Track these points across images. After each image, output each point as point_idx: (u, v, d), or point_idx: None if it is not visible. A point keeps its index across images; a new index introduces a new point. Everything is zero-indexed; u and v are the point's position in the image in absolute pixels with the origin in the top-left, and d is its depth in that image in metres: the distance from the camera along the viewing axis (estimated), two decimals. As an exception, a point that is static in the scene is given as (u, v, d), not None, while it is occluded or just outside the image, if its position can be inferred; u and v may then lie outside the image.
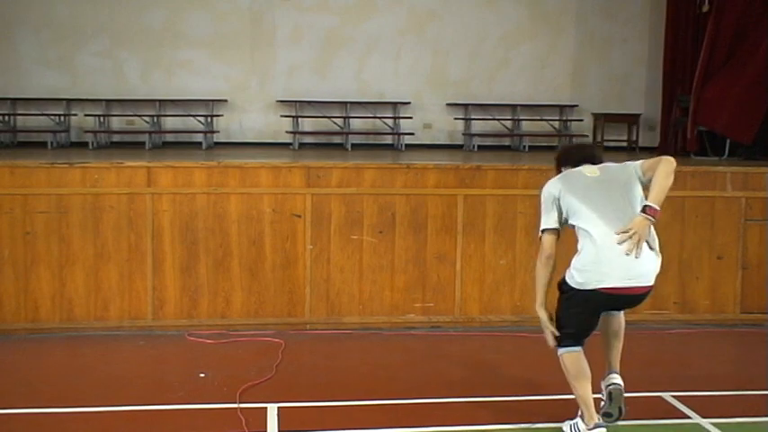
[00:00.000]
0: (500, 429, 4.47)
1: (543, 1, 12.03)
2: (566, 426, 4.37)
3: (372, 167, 6.71)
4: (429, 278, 6.66)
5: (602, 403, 4.35)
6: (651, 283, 4.11)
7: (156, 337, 6.33)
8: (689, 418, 4.68)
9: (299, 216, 6.52)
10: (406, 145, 11.15)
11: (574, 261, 4.17)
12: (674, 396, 4.98)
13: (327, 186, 6.56)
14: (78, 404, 4.83)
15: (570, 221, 4.20)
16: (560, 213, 4.22)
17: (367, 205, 6.58)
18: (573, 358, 4.22)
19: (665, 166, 4.11)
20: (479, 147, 11.22)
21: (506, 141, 11.94)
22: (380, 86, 11.75)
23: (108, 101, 11.10)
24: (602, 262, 4.03)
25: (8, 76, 11.02)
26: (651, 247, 4.06)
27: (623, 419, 4.40)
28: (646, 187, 4.16)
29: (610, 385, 4.34)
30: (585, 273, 4.09)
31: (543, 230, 4.27)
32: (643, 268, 4.04)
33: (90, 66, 11.26)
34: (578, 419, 4.28)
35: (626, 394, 4.77)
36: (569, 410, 4.41)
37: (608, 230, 4.04)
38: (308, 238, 6.53)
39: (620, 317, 4.46)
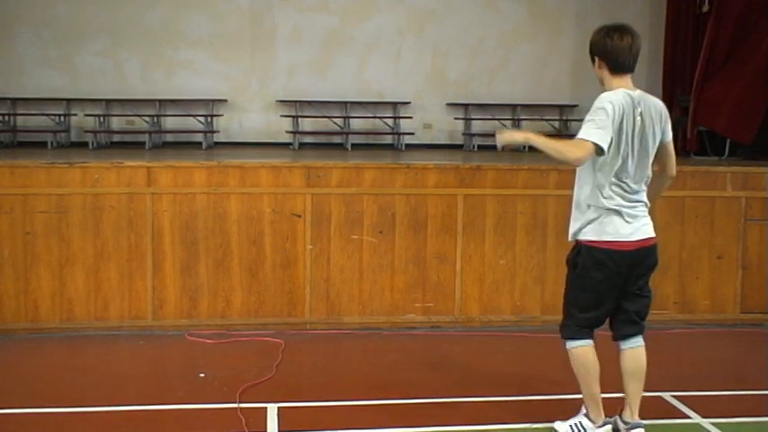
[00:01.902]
0: (500, 429, 4.47)
1: (543, 1, 12.03)
2: (563, 426, 4.28)
3: (372, 167, 6.71)
4: (429, 278, 6.66)
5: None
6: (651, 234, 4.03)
7: (156, 337, 6.33)
8: (689, 418, 4.68)
9: (299, 216, 6.52)
10: (406, 145, 11.16)
11: (584, 211, 4.00)
12: (674, 396, 4.98)
13: (327, 186, 6.56)
14: (78, 404, 4.83)
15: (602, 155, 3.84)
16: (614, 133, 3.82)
17: (367, 205, 6.58)
18: (584, 353, 4.08)
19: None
20: (479, 147, 11.23)
21: (506, 141, 11.93)
22: (380, 86, 11.76)
23: (108, 101, 11.11)
24: (615, 220, 3.94)
25: (8, 76, 11.04)
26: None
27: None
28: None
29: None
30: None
31: (588, 141, 3.78)
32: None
33: (90, 66, 11.27)
34: (582, 418, 4.22)
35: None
36: (570, 410, 4.41)
37: (625, 199, 3.94)
38: (308, 238, 6.53)
39: (641, 354, 4.18)
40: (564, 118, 11.94)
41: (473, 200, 6.68)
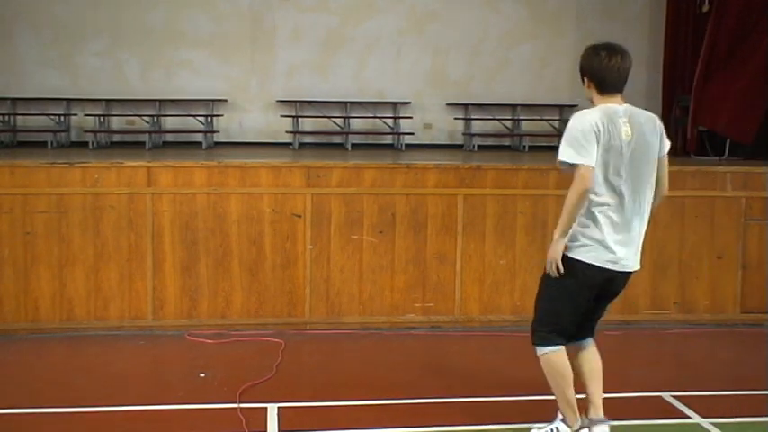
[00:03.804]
0: (500, 429, 4.47)
1: (543, 1, 12.03)
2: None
3: (372, 167, 6.71)
4: (429, 278, 6.66)
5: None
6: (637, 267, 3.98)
7: (156, 336, 6.33)
8: (689, 418, 4.68)
9: (299, 216, 6.52)
10: (406, 145, 11.16)
11: (577, 227, 3.90)
12: (674, 396, 4.98)
13: (327, 186, 6.56)
14: (78, 404, 4.83)
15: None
16: (598, 151, 3.78)
17: (367, 205, 6.58)
18: (558, 358, 4.05)
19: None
20: (479, 147, 11.23)
21: (506, 141, 11.95)
22: (380, 86, 11.76)
23: (108, 101, 11.11)
24: (608, 242, 3.85)
25: (8, 76, 11.03)
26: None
27: (625, 419, 4.40)
28: None
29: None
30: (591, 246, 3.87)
31: (579, 164, 3.77)
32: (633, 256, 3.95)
33: (90, 66, 11.27)
34: (558, 423, 4.17)
35: (626, 394, 4.79)
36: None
37: (620, 218, 3.85)
38: (308, 238, 6.53)
39: (595, 350, 4.19)
40: (564, 118, 11.93)
41: (473, 200, 6.68)
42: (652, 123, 4.03)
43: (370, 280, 6.61)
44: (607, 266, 3.90)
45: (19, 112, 10.99)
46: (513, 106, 11.80)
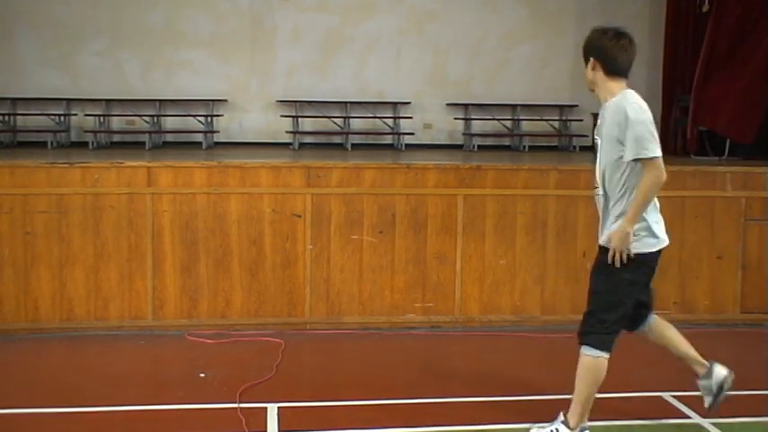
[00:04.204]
0: (500, 429, 4.47)
1: (543, 1, 12.03)
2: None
3: (372, 167, 6.71)
4: (429, 278, 6.66)
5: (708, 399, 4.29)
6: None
7: (156, 337, 6.33)
8: (689, 417, 4.68)
9: (299, 216, 6.52)
10: (406, 145, 11.16)
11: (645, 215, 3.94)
12: (673, 396, 4.98)
13: (327, 186, 6.56)
14: (78, 404, 4.83)
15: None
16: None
17: (367, 205, 6.58)
18: (601, 366, 3.99)
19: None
20: (479, 147, 11.24)
21: (506, 141, 11.95)
22: (380, 86, 11.77)
23: (108, 101, 11.11)
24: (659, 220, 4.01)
25: (8, 76, 11.04)
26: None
27: (625, 419, 4.40)
28: None
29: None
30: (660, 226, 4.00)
31: (656, 157, 3.81)
32: None
33: (90, 66, 11.27)
34: (559, 425, 4.15)
35: (626, 394, 4.79)
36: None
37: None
38: (308, 238, 6.53)
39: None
40: (564, 118, 11.94)
41: (473, 200, 6.68)
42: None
43: (370, 280, 6.61)
44: (659, 248, 4.00)
45: (19, 112, 10.99)
46: (513, 106, 11.81)
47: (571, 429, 4.12)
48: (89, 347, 6.08)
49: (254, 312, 6.52)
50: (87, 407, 4.79)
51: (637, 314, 4.22)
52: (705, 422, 4.59)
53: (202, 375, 5.36)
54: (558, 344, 6.21)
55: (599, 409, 4.55)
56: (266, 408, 4.71)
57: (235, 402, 4.78)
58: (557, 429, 4.17)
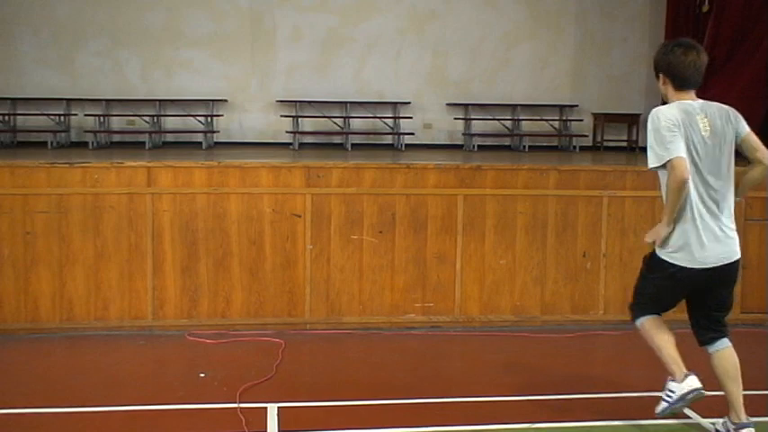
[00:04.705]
0: (500, 429, 4.47)
1: (543, 1, 12.03)
2: (658, 407, 4.26)
3: (372, 167, 6.71)
4: (429, 278, 6.66)
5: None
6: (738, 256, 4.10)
7: (156, 337, 6.33)
8: (689, 418, 4.67)
9: (299, 216, 6.52)
10: (406, 145, 11.16)
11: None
12: (674, 396, 4.96)
13: (327, 186, 6.56)
14: (78, 404, 4.83)
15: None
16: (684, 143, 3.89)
17: (367, 205, 6.58)
18: (652, 321, 4.22)
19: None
20: (479, 147, 11.23)
21: (506, 141, 11.94)
22: (380, 86, 11.76)
23: (108, 101, 11.11)
24: (694, 242, 4.00)
25: (8, 76, 11.03)
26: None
27: (625, 419, 4.40)
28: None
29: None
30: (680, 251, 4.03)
31: (670, 159, 3.87)
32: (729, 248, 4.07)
33: (90, 66, 11.27)
34: (668, 383, 4.22)
35: (626, 394, 4.78)
36: (570, 411, 4.41)
37: (703, 209, 3.98)
38: (308, 238, 6.53)
39: (732, 354, 4.33)
40: (564, 118, 11.94)
41: (473, 200, 6.68)
42: (727, 113, 4.11)
43: (370, 280, 6.61)
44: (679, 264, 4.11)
45: (19, 112, 10.99)
46: (513, 106, 11.80)
47: (676, 381, 4.17)
48: (89, 347, 6.08)
49: (254, 312, 6.52)
50: (87, 407, 4.79)
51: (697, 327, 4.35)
52: (705, 422, 4.58)
53: (202, 375, 5.36)
54: (558, 344, 6.21)
55: (599, 410, 4.56)
56: (266, 408, 4.71)
57: (235, 402, 4.78)
58: (668, 389, 4.21)
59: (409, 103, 11.67)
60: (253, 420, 4.51)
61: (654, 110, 4.02)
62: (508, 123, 11.85)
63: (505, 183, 6.74)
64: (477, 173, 6.74)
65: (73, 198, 6.33)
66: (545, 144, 11.89)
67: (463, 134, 11.66)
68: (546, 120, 11.90)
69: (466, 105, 11.75)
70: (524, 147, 11.45)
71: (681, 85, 4.04)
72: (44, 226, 6.30)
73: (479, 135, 11.48)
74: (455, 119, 11.76)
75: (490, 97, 11.85)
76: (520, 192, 6.72)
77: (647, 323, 4.28)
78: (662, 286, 4.20)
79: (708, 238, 4.00)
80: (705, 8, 9.91)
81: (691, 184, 3.93)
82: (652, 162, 3.95)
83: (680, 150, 3.87)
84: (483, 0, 11.91)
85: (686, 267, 4.04)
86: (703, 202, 3.99)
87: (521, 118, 11.78)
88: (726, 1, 9.23)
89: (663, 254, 4.09)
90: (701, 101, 4.06)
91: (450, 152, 10.51)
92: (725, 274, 4.11)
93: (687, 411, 4.74)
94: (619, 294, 6.58)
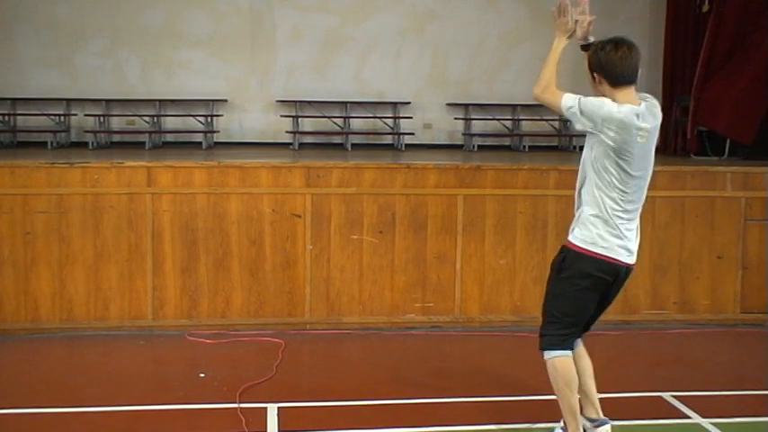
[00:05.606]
0: (500, 429, 4.47)
1: (543, 1, 11.98)
2: None
3: (372, 167, 6.71)
4: (429, 278, 6.66)
5: None
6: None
7: (156, 337, 6.33)
8: (689, 418, 4.68)
9: (299, 216, 6.52)
10: (406, 145, 11.15)
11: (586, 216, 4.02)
12: (674, 396, 4.98)
13: (327, 186, 6.56)
14: (78, 404, 4.84)
15: (599, 163, 3.91)
16: (594, 126, 3.94)
17: (367, 205, 6.58)
18: (565, 364, 3.99)
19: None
20: (479, 147, 11.22)
21: (506, 141, 11.93)
22: (380, 86, 11.75)
23: (108, 101, 11.10)
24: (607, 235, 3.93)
25: (8, 76, 11.02)
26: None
27: (625, 419, 4.40)
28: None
29: None
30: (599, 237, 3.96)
31: (561, 96, 4.15)
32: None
33: (90, 66, 11.26)
34: (558, 430, 4.16)
35: (626, 394, 4.78)
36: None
37: (621, 209, 3.90)
38: (308, 238, 6.53)
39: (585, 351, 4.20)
40: (563, 118, 11.91)
41: (473, 200, 6.68)
42: (657, 124, 3.98)
43: (370, 280, 6.61)
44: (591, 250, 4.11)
45: (19, 112, 10.98)
46: (513, 106, 11.79)
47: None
48: (89, 347, 6.09)
49: (254, 312, 6.52)
50: (87, 407, 4.79)
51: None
52: (705, 422, 4.58)
53: (202, 375, 5.36)
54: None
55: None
56: (266, 408, 4.71)
57: (235, 402, 4.78)
58: None
59: (409, 102, 11.67)
60: (253, 420, 4.51)
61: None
62: (508, 123, 11.84)
63: (505, 183, 6.74)
64: (477, 173, 6.74)
65: (73, 198, 6.34)
66: (545, 144, 11.88)
67: (463, 134, 11.65)
68: (546, 120, 11.88)
69: (466, 105, 11.74)
70: (524, 147, 11.45)
71: (615, 81, 3.98)
72: (44, 226, 6.30)
73: (479, 135, 11.47)
74: (455, 119, 11.76)
75: (490, 97, 11.84)
76: (520, 192, 6.72)
77: None
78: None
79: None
80: (705, 8, 9.90)
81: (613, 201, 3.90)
82: (568, 102, 4.23)
83: (573, 103, 4.14)
84: (483, 0, 11.90)
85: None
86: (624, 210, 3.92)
87: (521, 118, 11.77)
88: (726, 1, 9.22)
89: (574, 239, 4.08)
90: (644, 104, 3.96)
91: (450, 152, 10.50)
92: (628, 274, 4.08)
93: (687, 411, 4.74)
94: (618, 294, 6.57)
